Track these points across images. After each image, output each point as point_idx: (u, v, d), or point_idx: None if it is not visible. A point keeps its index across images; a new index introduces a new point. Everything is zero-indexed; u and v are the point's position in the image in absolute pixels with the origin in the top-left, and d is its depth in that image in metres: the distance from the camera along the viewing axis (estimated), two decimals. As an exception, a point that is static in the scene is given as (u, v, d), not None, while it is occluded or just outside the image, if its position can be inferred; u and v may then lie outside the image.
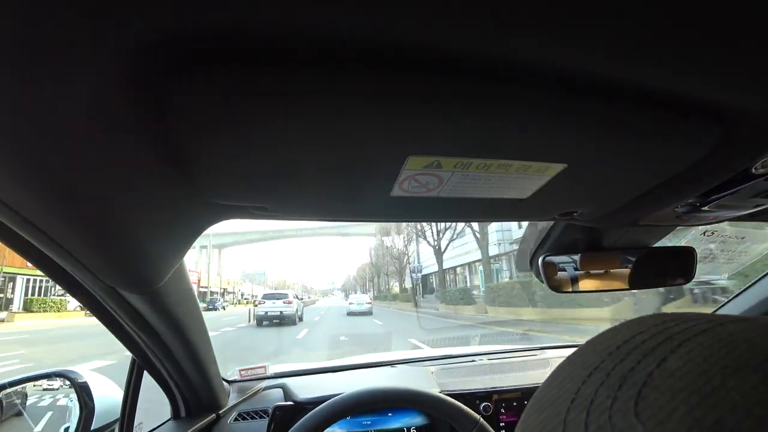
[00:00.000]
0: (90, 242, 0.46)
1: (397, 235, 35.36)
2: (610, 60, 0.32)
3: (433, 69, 0.31)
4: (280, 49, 0.29)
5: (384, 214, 0.62)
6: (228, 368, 1.30)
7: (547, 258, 0.88)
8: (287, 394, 1.18)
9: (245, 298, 54.02)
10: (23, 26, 0.23)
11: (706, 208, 0.63)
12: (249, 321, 15.84)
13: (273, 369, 1.36)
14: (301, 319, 16.59)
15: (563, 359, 0.24)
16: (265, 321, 14.83)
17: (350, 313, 20.89)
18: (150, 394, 0.94)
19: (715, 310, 1.34)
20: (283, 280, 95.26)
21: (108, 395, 0.94)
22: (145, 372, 0.89)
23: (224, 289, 51.61)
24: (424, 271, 33.48)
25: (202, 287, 39.94)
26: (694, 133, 0.42)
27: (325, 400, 0.91)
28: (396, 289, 40.73)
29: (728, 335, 0.18)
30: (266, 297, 16.32)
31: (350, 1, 0.24)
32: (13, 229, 0.42)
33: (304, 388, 1.19)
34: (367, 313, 20.71)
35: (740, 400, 0.15)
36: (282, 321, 14.80)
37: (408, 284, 35.40)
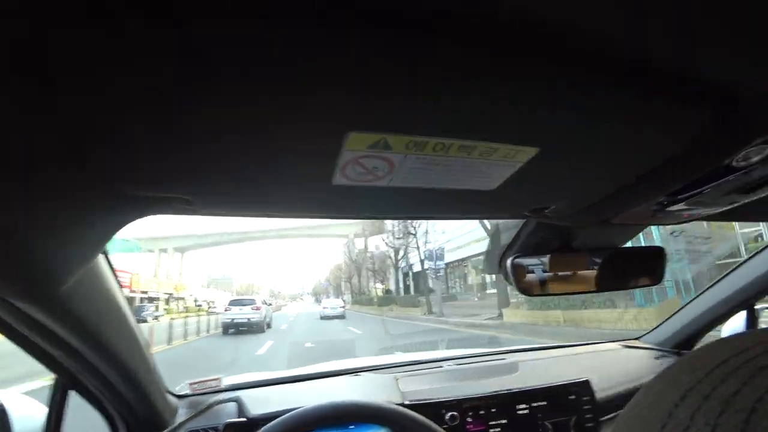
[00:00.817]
0: None
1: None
2: (603, 30, 0.27)
3: (374, 24, 0.25)
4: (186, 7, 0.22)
5: (327, 208, 0.55)
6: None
7: (516, 259, 0.83)
8: (241, 408, 1.09)
9: (198, 305, 43.74)
10: None
11: (682, 205, 0.60)
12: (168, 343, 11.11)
13: (228, 381, 1.27)
14: (269, 326, 15.95)
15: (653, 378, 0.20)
16: (231, 329, 14.02)
17: (324, 317, 20.81)
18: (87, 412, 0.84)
19: (685, 305, 1.35)
20: (250, 284, 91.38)
21: (31, 421, 0.83)
22: None
23: (169, 294, 41.02)
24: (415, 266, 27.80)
25: (135, 292, 31.16)
26: (680, 120, 0.38)
27: (281, 415, 0.84)
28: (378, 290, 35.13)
29: None
30: (233, 303, 15.44)
31: None
32: None
33: (261, 402, 1.11)
34: (341, 316, 20.77)
35: None
36: (250, 329, 14.01)
37: (392, 284, 31.57)
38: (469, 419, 1.09)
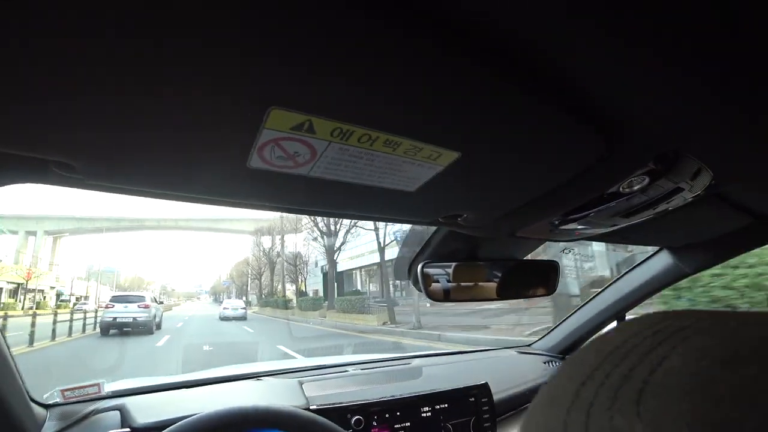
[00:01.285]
0: None
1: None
2: (530, 40, 0.29)
3: None
4: None
5: (239, 194, 0.51)
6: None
7: (426, 266, 0.86)
8: (125, 417, 0.98)
9: (63, 300, 36.81)
10: None
11: (575, 224, 0.67)
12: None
13: (111, 387, 1.13)
14: (159, 327, 14.03)
15: (564, 361, 0.20)
16: (112, 329, 11.96)
17: (224, 318, 19.95)
18: None
19: (568, 317, 1.50)
20: (138, 278, 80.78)
21: None
22: None
23: (17, 284, 31.86)
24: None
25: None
26: (583, 143, 0.42)
27: (170, 424, 0.76)
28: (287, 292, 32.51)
29: (729, 330, 0.18)
30: (116, 300, 13.08)
31: None
32: None
33: (149, 410, 1.00)
34: (242, 318, 20.12)
35: (741, 394, 0.15)
36: (135, 329, 12.04)
37: (312, 286, 29.00)
38: (374, 423, 1.10)
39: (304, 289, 30.27)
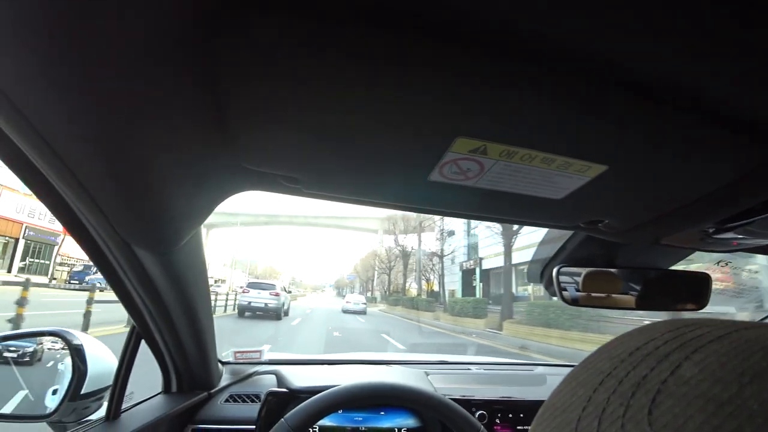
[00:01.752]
0: (117, 192, 0.45)
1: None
2: (676, 68, 0.32)
3: (493, 46, 0.31)
4: (331, 3, 0.28)
5: (416, 201, 0.60)
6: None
7: (562, 270, 0.87)
8: (281, 381, 1.16)
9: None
10: None
11: (731, 234, 0.63)
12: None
13: (268, 356, 1.35)
14: (287, 313, 15.52)
15: (575, 366, 0.23)
16: (247, 312, 13.51)
17: (346, 311, 21.35)
18: (142, 368, 0.92)
19: None
20: (272, 268, 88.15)
21: (102, 360, 0.93)
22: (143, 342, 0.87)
23: None
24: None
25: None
26: (736, 152, 0.42)
27: (320, 391, 0.89)
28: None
29: (744, 341, 0.17)
30: (251, 286, 14.44)
31: None
32: (38, 166, 0.41)
33: (298, 378, 1.17)
34: (362, 312, 21.24)
35: (758, 409, 0.14)
36: (266, 314, 13.45)
37: (448, 285, 25.38)
38: (497, 420, 1.12)
39: (436, 289, 27.82)
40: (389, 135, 0.41)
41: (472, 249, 22.73)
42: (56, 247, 22.32)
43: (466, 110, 0.36)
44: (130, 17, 0.26)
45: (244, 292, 14.35)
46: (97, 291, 6.83)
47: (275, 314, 13.69)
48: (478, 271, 22.42)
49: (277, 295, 14.03)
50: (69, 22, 0.26)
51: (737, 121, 0.38)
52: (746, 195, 0.52)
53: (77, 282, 18.51)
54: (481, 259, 22.03)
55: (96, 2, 0.25)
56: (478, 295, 20.15)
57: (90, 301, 6.34)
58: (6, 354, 0.94)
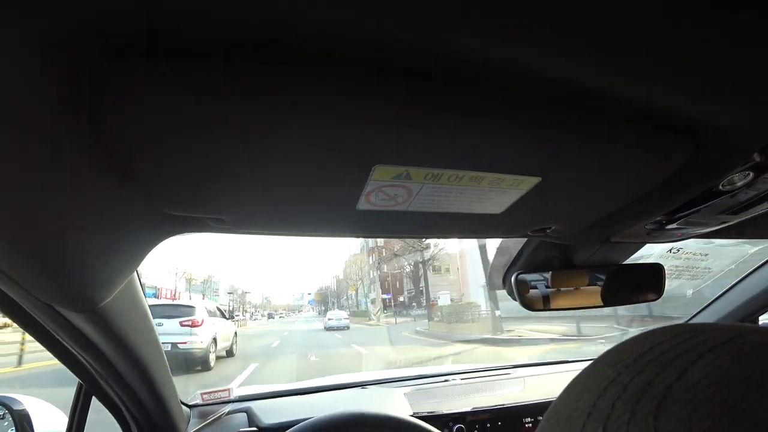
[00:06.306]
0: (20, 255, 0.41)
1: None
2: (596, 74, 0.32)
3: (404, 74, 0.30)
4: (232, 41, 0.26)
5: (349, 230, 0.59)
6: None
7: (520, 276, 0.87)
8: (252, 418, 1.12)
9: None
10: None
11: (674, 225, 0.64)
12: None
13: (238, 392, 1.30)
14: (233, 353, 9.78)
15: (579, 372, 0.22)
16: None
17: (329, 329, 20.74)
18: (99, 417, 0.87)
19: (690, 318, 1.36)
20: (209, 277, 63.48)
21: (52, 424, 0.87)
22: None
23: None
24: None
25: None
26: (666, 149, 0.42)
27: (292, 425, 0.86)
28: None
29: (749, 346, 0.17)
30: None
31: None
32: None
33: (271, 412, 1.14)
34: (345, 327, 20.80)
35: (764, 414, 0.14)
36: (174, 360, 6.84)
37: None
38: (475, 431, 1.11)
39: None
40: (311, 170, 0.39)
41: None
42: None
43: (381, 138, 0.35)
44: None
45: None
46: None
47: (197, 360, 7.66)
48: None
49: (195, 325, 7.78)
50: None
51: (662, 118, 0.38)
52: (679, 191, 0.53)
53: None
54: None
55: None
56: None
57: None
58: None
